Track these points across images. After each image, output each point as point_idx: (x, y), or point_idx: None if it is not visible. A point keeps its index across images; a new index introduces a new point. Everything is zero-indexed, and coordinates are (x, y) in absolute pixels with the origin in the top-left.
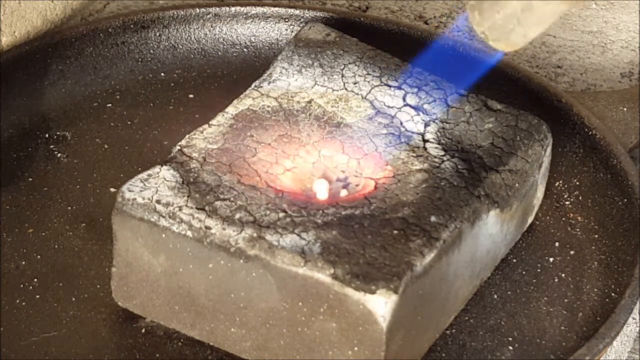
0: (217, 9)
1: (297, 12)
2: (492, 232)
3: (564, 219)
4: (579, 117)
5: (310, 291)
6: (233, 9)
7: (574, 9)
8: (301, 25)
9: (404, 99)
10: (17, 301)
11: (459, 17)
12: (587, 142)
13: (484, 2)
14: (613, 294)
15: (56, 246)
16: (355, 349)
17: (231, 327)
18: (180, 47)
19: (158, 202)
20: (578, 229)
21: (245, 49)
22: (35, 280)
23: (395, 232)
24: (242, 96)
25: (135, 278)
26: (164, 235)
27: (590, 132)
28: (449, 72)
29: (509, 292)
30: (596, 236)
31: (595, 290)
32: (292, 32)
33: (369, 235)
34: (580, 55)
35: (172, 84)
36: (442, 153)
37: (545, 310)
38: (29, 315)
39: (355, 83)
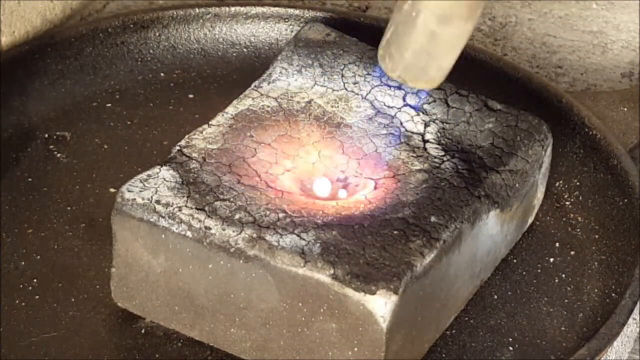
0: (217, 9)
1: (297, 12)
2: (492, 232)
3: (564, 219)
4: (580, 117)
5: (310, 292)
6: (233, 9)
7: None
8: (301, 25)
9: (404, 99)
10: (17, 302)
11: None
12: (587, 142)
13: (392, 47)
14: (613, 294)
15: (55, 247)
16: (355, 349)
17: (231, 328)
18: (180, 47)
19: (158, 202)
20: (578, 230)
21: (245, 49)
22: (35, 280)
23: (395, 232)
24: (241, 96)
25: (135, 278)
26: (163, 236)
27: (591, 132)
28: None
29: (509, 293)
30: (596, 236)
31: (596, 290)
32: (292, 32)
33: (369, 236)
34: (581, 55)
35: (172, 84)
36: (442, 153)
37: (545, 311)
38: (28, 315)
39: (355, 83)
